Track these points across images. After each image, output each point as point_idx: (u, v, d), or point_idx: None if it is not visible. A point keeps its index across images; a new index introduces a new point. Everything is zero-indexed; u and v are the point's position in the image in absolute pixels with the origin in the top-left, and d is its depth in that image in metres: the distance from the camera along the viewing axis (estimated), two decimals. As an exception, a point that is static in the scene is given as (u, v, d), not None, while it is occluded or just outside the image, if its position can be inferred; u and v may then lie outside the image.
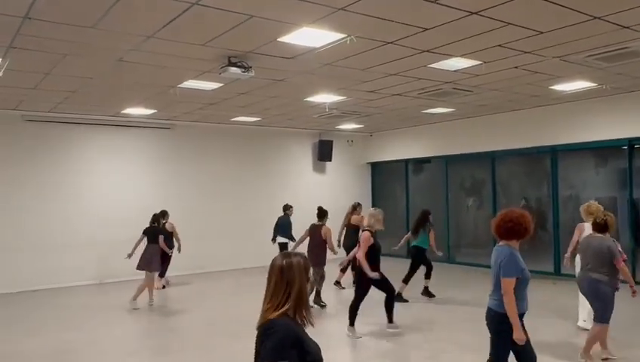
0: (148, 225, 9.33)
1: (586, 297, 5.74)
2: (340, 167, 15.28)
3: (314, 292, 8.67)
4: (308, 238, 8.82)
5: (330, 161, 14.85)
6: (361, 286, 7.04)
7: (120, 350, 6.67)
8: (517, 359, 4.15)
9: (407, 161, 14.98)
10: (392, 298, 7.21)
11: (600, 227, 5.57)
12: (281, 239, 10.90)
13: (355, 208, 10.45)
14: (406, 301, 8.90)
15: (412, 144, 14.47)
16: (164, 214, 10.19)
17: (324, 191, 14.43)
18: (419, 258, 9.25)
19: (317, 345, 2.36)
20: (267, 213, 12.14)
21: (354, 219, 10.25)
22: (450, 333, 7.11)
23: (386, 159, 15.39)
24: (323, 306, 8.77)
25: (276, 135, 14.09)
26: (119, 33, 5.84)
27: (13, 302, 9.53)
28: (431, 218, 9.41)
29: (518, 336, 3.97)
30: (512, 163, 12.88)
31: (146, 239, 9.15)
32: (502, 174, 12.82)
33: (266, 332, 2.25)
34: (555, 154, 11.43)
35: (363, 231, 7.14)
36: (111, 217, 11.49)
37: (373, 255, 6.92)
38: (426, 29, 5.86)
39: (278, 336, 2.20)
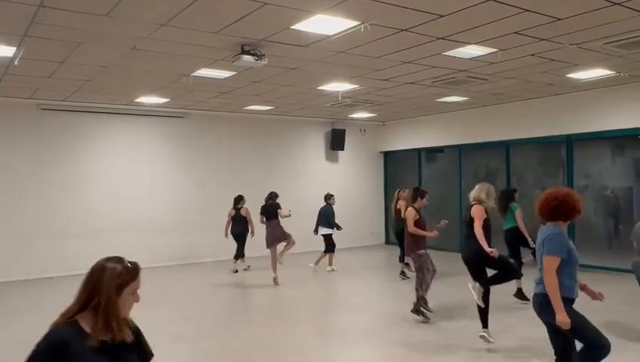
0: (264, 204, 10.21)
1: None
2: (353, 156, 15.23)
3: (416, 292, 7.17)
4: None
5: (343, 150, 14.79)
6: (484, 277, 6.01)
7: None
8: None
9: (420, 151, 14.89)
10: (507, 276, 6.27)
11: None
12: (324, 230, 10.72)
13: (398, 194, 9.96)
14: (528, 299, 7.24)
15: (425, 133, 14.36)
16: (239, 199, 10.81)
17: (337, 181, 14.41)
18: (516, 241, 7.93)
19: None
20: (280, 201, 12.15)
21: (400, 204, 9.71)
22: (462, 322, 7.09)
23: (399, 148, 15.31)
24: (426, 318, 6.98)
25: (289, 124, 14.07)
26: (133, 21, 5.85)
27: (29, 289, 9.67)
28: (516, 196, 8.24)
29: (561, 319, 3.60)
30: (527, 152, 12.75)
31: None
32: (516, 164, 12.70)
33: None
34: (570, 143, 11.28)
35: (473, 205, 6.08)
36: (123, 205, 11.62)
37: (485, 232, 5.96)
38: (442, 16, 5.79)
39: (39, 344, 2.10)
